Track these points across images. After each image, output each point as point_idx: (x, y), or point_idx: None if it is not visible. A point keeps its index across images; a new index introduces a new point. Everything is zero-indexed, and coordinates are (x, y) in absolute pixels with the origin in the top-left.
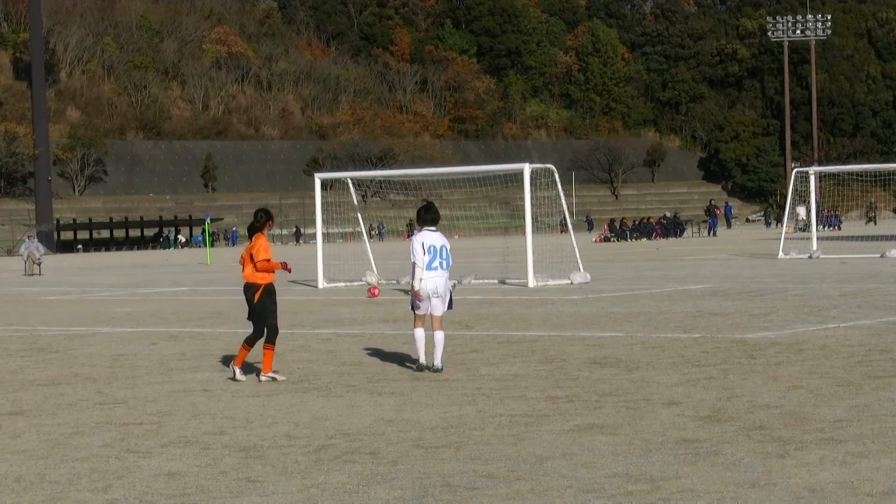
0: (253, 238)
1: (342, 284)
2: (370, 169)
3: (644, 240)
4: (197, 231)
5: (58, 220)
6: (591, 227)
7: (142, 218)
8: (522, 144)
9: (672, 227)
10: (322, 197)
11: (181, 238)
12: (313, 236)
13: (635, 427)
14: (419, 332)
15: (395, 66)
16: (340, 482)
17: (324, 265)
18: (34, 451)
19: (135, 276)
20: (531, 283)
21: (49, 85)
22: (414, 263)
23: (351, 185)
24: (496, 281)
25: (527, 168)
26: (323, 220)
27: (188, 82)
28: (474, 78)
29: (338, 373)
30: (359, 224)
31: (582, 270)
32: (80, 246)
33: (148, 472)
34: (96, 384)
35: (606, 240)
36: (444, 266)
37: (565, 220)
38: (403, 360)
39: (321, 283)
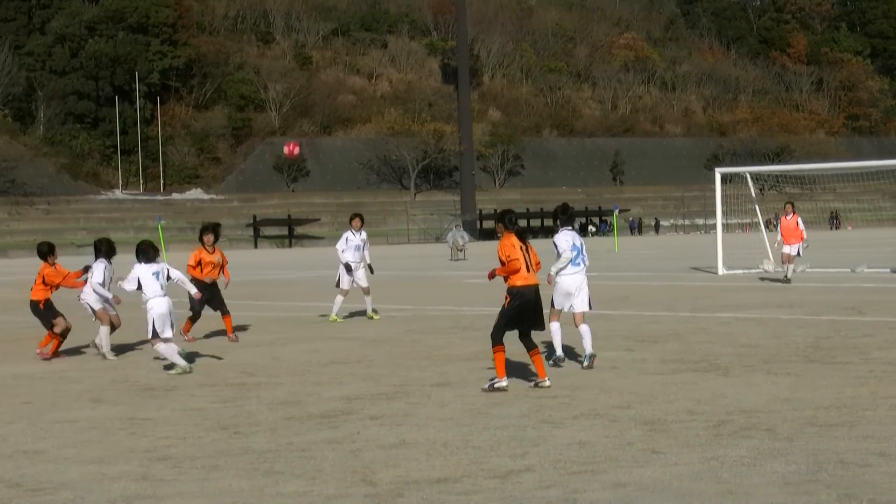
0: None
1: (740, 272)
2: (767, 164)
3: None
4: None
5: (480, 210)
6: None
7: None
8: None
9: None
10: (721, 190)
11: (591, 228)
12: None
13: None
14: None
15: (791, 67)
16: (738, 455)
17: (723, 253)
18: (459, 419)
19: None
20: None
21: (473, 87)
22: None
23: (749, 180)
24: (888, 270)
25: None
26: (722, 211)
27: (598, 84)
28: (868, 78)
29: (736, 354)
30: (756, 215)
31: None
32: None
33: (561, 441)
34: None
35: None
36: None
37: None
38: (797, 342)
39: (720, 270)
